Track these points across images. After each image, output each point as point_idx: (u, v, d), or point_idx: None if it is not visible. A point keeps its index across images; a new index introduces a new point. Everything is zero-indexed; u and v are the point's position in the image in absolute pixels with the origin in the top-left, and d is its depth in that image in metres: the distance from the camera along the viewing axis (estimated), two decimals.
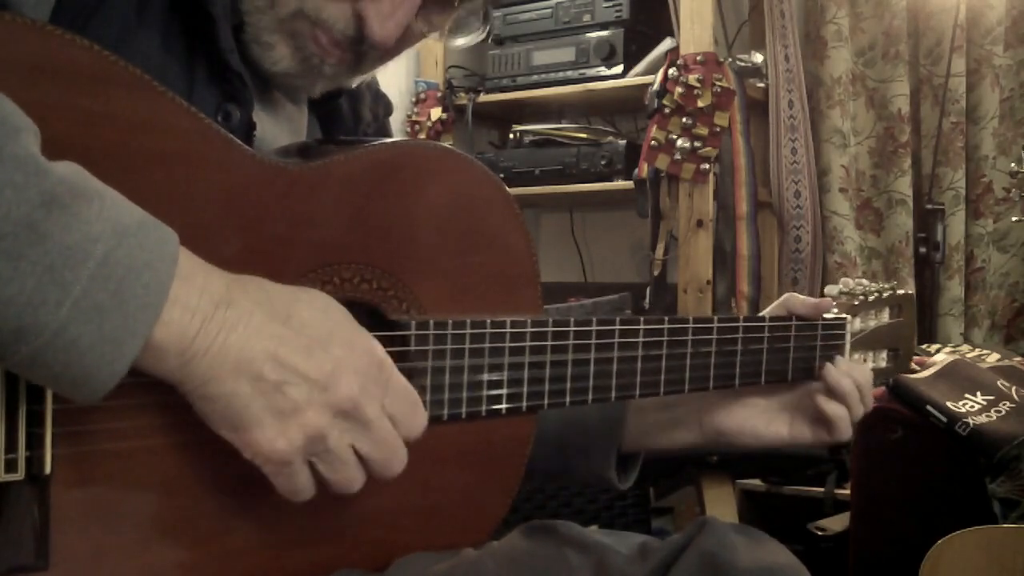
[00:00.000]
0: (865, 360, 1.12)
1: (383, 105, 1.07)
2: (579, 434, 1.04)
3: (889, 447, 1.71)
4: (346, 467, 0.70)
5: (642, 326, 0.91)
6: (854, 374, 1.03)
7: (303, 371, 0.67)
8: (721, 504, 1.99)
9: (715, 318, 0.97)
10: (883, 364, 1.15)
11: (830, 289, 1.11)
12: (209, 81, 0.81)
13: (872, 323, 1.13)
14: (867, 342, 1.12)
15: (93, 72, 0.65)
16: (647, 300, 2.50)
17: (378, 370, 0.71)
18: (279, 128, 0.91)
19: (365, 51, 0.86)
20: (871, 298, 1.12)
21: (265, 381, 0.66)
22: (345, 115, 1.00)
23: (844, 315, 1.08)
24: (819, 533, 2.12)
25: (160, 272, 0.61)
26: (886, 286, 1.14)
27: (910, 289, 2.53)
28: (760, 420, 1.03)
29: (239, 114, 0.82)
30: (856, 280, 1.13)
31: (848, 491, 1.89)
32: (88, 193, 0.60)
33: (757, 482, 2.37)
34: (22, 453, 0.62)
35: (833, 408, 1.01)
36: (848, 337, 1.08)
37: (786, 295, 1.06)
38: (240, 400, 0.65)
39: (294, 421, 0.67)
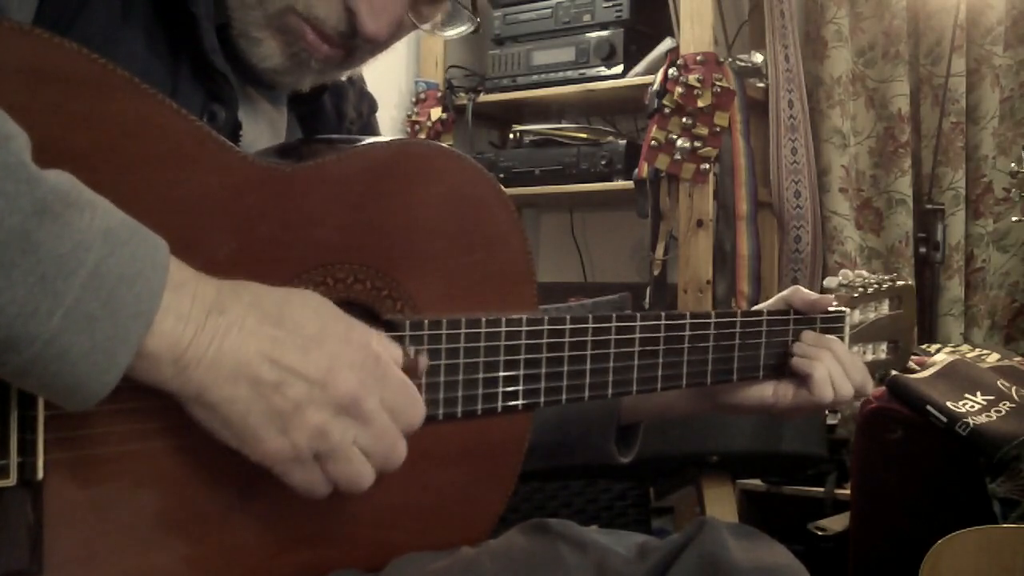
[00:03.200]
0: (865, 353, 1.12)
1: (367, 102, 1.06)
2: (577, 407, 1.04)
3: (889, 447, 1.71)
4: (351, 464, 0.70)
5: (638, 323, 0.91)
6: (823, 341, 1.03)
7: (300, 370, 0.67)
8: (721, 504, 1.99)
9: (712, 313, 0.97)
10: (883, 356, 1.14)
11: (829, 281, 1.11)
12: (194, 81, 0.81)
13: (872, 315, 1.12)
14: (866, 335, 1.11)
15: (83, 76, 0.65)
16: (647, 300, 2.50)
17: (375, 363, 0.71)
18: (259, 129, 0.91)
19: (357, 45, 0.86)
20: (870, 290, 1.12)
21: (263, 383, 0.66)
22: (328, 113, 1.00)
23: (843, 308, 1.08)
24: (819, 533, 2.11)
25: (151, 281, 0.61)
26: (886, 278, 1.14)
27: None
28: (745, 381, 1.03)
29: (224, 114, 0.82)
30: (856, 272, 1.12)
31: (848, 491, 1.89)
32: (80, 202, 0.59)
33: (757, 482, 2.37)
34: (14, 459, 0.62)
35: (805, 363, 1.01)
36: (847, 330, 1.08)
37: (793, 288, 1.06)
38: (240, 405, 0.66)
39: (295, 421, 0.67)
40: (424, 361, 0.77)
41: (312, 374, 0.67)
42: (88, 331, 0.58)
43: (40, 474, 0.63)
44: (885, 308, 1.14)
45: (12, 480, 0.62)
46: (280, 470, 0.68)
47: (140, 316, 0.60)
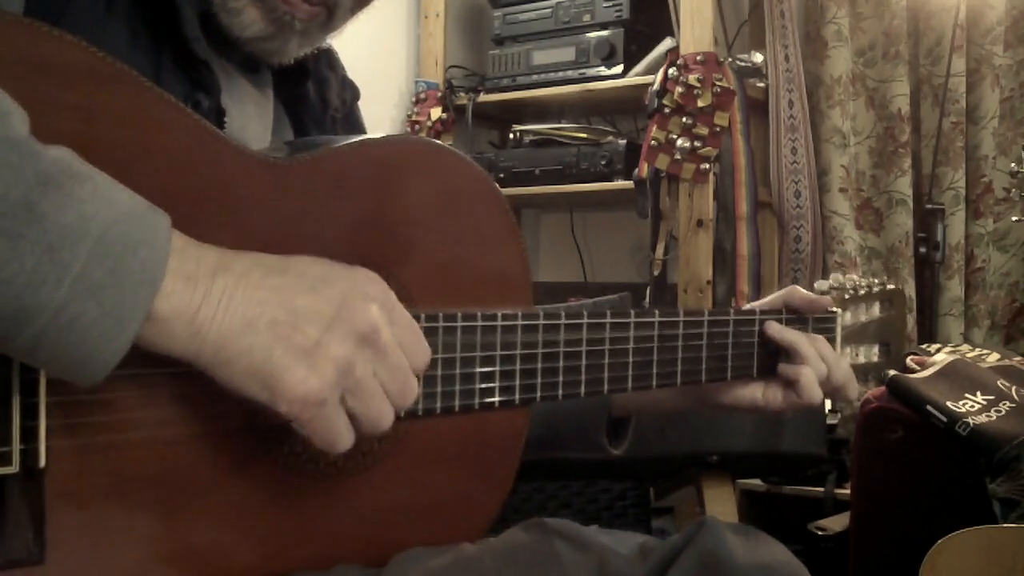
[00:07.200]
0: (857, 355, 1.12)
1: (350, 90, 1.07)
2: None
3: (889, 447, 1.71)
4: (375, 398, 0.69)
5: (632, 319, 0.91)
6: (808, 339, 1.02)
7: (314, 308, 0.67)
8: (721, 504, 1.99)
9: (706, 310, 0.97)
10: (875, 359, 1.15)
11: (820, 284, 1.11)
12: (176, 71, 0.82)
13: (863, 318, 1.13)
14: (858, 336, 1.12)
15: (81, 67, 0.65)
16: (647, 300, 2.50)
17: (385, 295, 0.71)
18: (246, 113, 0.92)
19: (336, 1, 0.86)
20: (861, 292, 1.12)
21: (280, 324, 0.66)
22: (312, 101, 1.00)
23: (835, 309, 1.08)
24: (819, 533, 2.12)
25: (155, 249, 0.61)
26: (876, 281, 1.15)
27: (910, 288, 2.54)
28: (738, 381, 1.03)
29: (208, 102, 0.83)
30: (847, 276, 1.13)
31: (848, 491, 1.89)
32: (81, 174, 0.60)
33: (757, 482, 2.37)
34: (16, 446, 0.62)
35: (791, 369, 1.00)
36: (839, 331, 1.08)
37: (790, 287, 1.06)
38: (260, 351, 0.65)
39: (321, 355, 0.66)
40: None
41: (326, 309, 0.67)
42: (96, 298, 0.59)
43: (42, 461, 0.63)
44: (876, 311, 1.15)
45: (14, 467, 0.63)
46: (306, 417, 0.66)
47: (147, 283, 0.61)
